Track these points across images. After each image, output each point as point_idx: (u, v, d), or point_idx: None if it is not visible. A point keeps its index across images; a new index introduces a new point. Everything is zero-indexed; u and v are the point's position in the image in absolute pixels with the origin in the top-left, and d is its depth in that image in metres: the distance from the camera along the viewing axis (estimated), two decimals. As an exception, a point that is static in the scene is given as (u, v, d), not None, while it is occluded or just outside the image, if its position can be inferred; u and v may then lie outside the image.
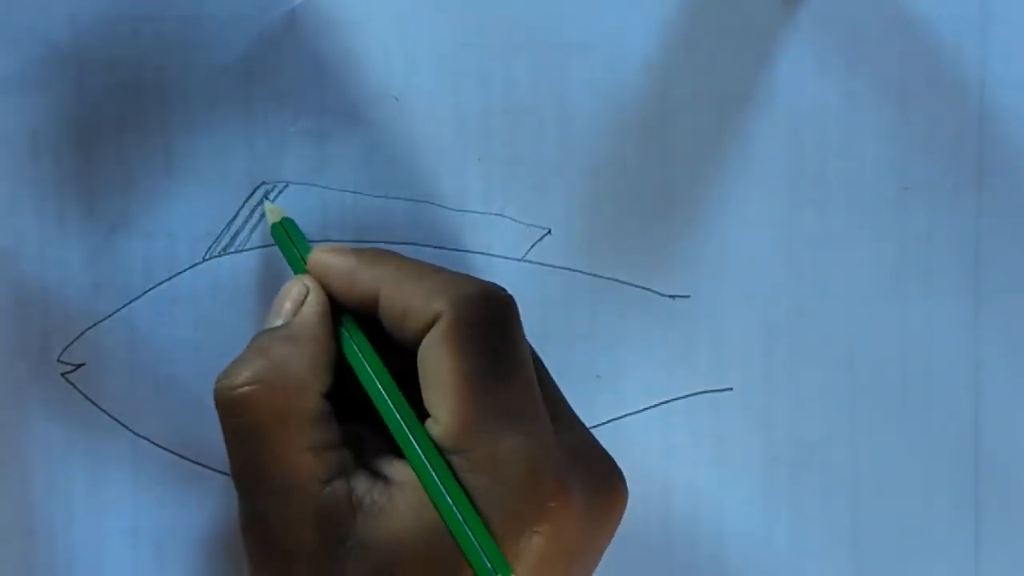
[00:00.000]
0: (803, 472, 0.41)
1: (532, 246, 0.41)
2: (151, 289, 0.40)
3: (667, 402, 0.41)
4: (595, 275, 0.41)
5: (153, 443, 0.40)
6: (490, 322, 0.33)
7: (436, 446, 0.33)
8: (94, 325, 0.40)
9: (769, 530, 0.41)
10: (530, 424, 0.33)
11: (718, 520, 0.41)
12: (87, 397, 0.40)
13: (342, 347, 0.35)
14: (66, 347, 0.40)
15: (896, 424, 0.41)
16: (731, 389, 0.41)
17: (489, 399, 0.33)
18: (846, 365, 0.41)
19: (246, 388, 0.33)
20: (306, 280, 0.36)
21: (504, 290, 0.34)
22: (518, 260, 0.41)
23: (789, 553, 0.41)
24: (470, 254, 0.41)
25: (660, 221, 0.41)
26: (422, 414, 0.34)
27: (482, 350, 0.33)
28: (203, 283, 0.40)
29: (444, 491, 0.32)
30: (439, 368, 0.33)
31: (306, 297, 0.36)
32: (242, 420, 0.33)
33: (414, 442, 0.33)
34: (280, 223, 0.38)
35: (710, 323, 0.41)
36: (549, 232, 0.41)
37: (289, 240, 0.38)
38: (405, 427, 0.33)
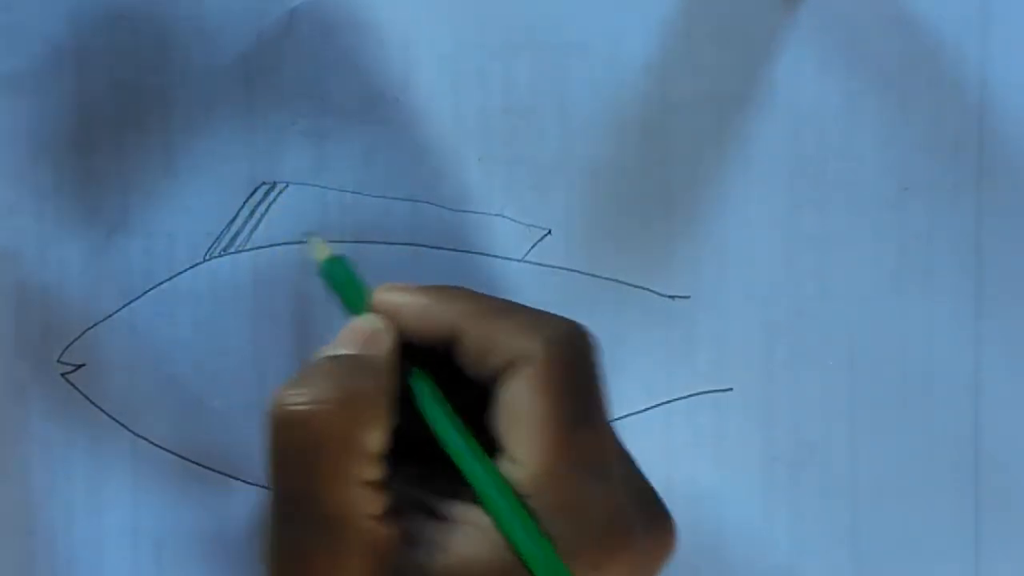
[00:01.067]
0: (803, 472, 0.41)
1: (532, 246, 0.41)
2: (151, 289, 0.40)
3: (667, 402, 0.41)
4: (595, 275, 0.41)
5: (153, 443, 0.40)
6: (581, 365, 0.33)
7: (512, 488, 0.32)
8: (94, 325, 0.40)
9: (769, 530, 0.41)
10: (611, 471, 0.32)
11: (718, 520, 0.41)
12: (87, 397, 0.40)
13: (408, 388, 0.34)
14: (66, 347, 0.40)
15: (896, 424, 0.41)
16: (731, 389, 0.41)
17: (578, 445, 0.32)
18: (846, 365, 0.41)
19: (310, 406, 0.31)
20: (375, 318, 0.34)
21: (590, 332, 0.33)
22: (518, 260, 0.41)
23: (789, 553, 0.41)
24: (470, 254, 0.41)
25: (660, 221, 0.41)
26: (489, 454, 0.33)
27: (572, 393, 0.32)
28: (203, 283, 0.40)
29: (525, 534, 0.31)
30: (527, 409, 0.32)
31: (375, 332, 0.34)
32: (298, 440, 0.31)
33: (492, 483, 0.32)
34: (331, 260, 0.35)
35: (710, 323, 0.41)
36: (549, 232, 0.41)
37: (345, 279, 0.35)
38: (481, 469, 0.32)
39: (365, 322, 0.34)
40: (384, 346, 0.34)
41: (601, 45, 0.41)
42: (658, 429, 0.41)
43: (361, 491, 0.31)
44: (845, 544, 0.41)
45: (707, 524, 0.41)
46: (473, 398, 0.33)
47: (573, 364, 0.32)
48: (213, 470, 0.40)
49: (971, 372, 0.42)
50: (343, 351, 0.33)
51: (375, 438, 0.32)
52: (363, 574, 0.31)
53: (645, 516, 0.33)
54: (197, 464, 0.40)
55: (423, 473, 0.34)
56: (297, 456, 0.31)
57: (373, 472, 0.32)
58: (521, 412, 0.32)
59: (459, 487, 0.33)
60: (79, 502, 0.40)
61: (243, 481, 0.40)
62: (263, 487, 0.40)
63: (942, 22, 0.41)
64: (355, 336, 0.34)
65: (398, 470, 0.33)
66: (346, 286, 0.35)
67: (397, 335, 0.34)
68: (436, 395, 0.34)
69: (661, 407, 0.41)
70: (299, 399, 0.31)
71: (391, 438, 0.33)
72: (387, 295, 0.34)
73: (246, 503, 0.40)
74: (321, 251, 0.35)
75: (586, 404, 0.32)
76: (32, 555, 0.40)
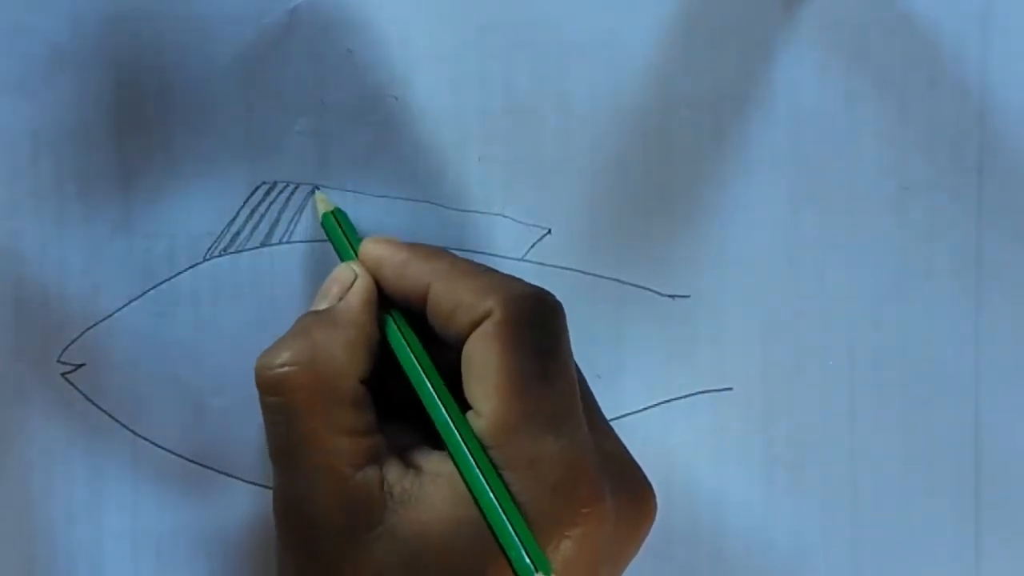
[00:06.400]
0: (803, 472, 0.41)
1: (532, 246, 0.41)
2: (151, 289, 0.40)
3: (667, 402, 0.41)
4: (595, 275, 0.41)
5: (153, 443, 0.40)
6: (539, 324, 0.34)
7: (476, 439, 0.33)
8: (94, 325, 0.40)
9: (769, 530, 0.41)
10: (571, 428, 0.33)
11: (718, 520, 0.41)
12: (87, 397, 0.40)
13: (386, 336, 0.35)
14: (66, 347, 0.40)
15: (896, 424, 0.41)
16: (731, 389, 0.41)
17: (533, 398, 0.33)
18: (846, 365, 0.41)
19: (284, 368, 0.33)
20: (355, 266, 0.36)
21: (553, 295, 0.35)
22: (518, 260, 0.41)
23: (789, 553, 0.41)
24: (470, 254, 0.41)
25: (660, 221, 0.41)
26: (462, 411, 0.34)
27: (530, 350, 0.33)
28: (203, 283, 0.40)
29: (485, 483, 0.32)
30: (486, 363, 0.33)
31: (353, 282, 0.36)
32: (279, 400, 0.33)
33: (456, 431, 0.33)
34: (332, 213, 0.39)
35: (710, 323, 0.41)
36: (549, 232, 0.41)
37: (340, 230, 0.38)
38: (447, 415, 0.33)
39: (344, 273, 0.36)
40: (358, 297, 0.36)
41: (601, 45, 0.41)
42: (658, 429, 0.41)
43: (339, 441, 0.33)
44: (845, 544, 0.41)
45: (707, 524, 0.41)
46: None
47: (531, 323, 0.34)
48: (213, 470, 0.40)
49: (971, 372, 0.42)
50: (323, 305, 0.36)
51: (346, 390, 0.34)
52: (342, 523, 0.33)
53: (618, 481, 0.34)
54: (197, 464, 0.40)
55: (410, 425, 0.35)
56: (280, 413, 0.34)
57: (349, 421, 0.34)
58: (480, 366, 0.33)
59: (437, 440, 0.34)
60: (79, 502, 0.40)
61: (243, 481, 0.40)
62: (263, 486, 0.40)
63: (943, 22, 0.41)
64: (333, 288, 0.36)
65: (386, 424, 0.35)
66: (341, 236, 0.38)
67: (373, 287, 0.36)
68: (411, 339, 0.35)
69: (661, 406, 0.41)
70: (275, 361, 0.34)
71: (378, 393, 0.35)
72: (373, 246, 0.37)
73: (246, 503, 0.40)
74: (324, 204, 0.39)
75: (543, 362, 0.33)
76: (32, 555, 0.40)
